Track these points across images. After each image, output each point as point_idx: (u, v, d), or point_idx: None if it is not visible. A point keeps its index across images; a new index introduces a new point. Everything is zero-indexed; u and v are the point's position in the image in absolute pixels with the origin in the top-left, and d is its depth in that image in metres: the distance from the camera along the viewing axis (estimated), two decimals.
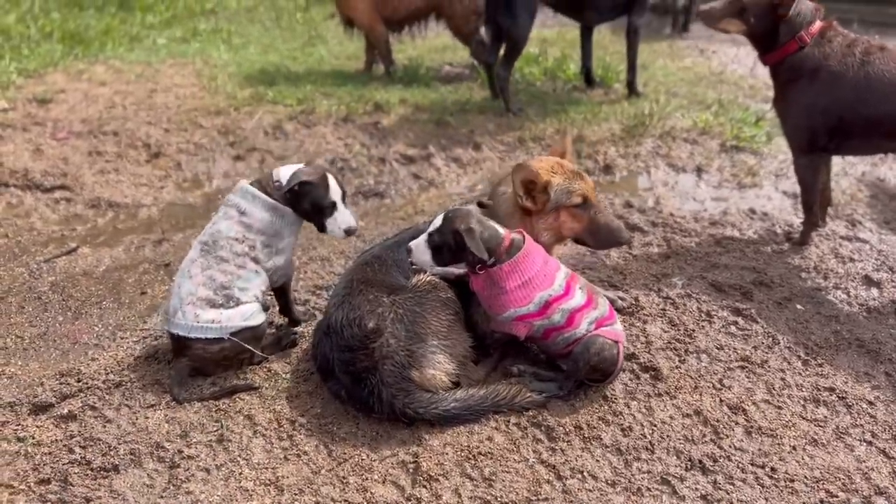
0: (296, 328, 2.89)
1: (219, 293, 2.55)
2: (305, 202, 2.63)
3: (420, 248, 2.49)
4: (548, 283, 2.54)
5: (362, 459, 2.28)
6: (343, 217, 2.67)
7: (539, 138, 4.71)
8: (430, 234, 2.48)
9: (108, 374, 2.64)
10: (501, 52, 5.06)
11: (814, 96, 3.32)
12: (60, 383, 2.60)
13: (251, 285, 2.61)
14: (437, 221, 2.48)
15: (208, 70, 5.68)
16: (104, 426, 2.39)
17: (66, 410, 2.45)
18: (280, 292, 2.84)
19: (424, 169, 4.36)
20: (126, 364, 2.69)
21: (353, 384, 2.39)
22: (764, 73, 6.52)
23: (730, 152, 4.61)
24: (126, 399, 2.51)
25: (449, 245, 2.46)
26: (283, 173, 2.67)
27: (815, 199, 3.54)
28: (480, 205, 2.67)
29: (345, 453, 2.30)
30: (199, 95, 5.15)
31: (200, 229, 3.62)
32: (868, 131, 3.29)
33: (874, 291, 3.25)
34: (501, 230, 2.51)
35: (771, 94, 5.80)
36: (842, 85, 3.25)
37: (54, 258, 3.46)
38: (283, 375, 2.65)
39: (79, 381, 2.61)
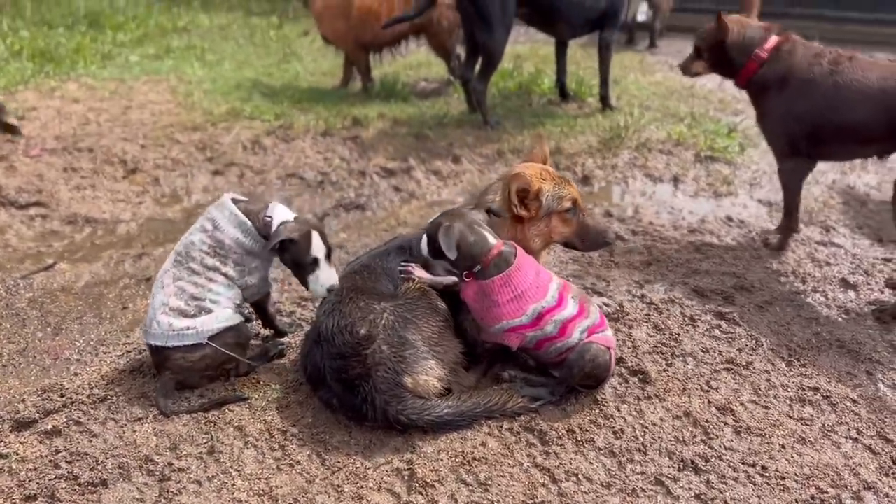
0: (282, 339, 2.86)
1: (190, 304, 2.51)
2: (287, 257, 2.59)
3: (423, 239, 2.54)
4: (540, 295, 2.53)
5: (356, 468, 2.26)
6: (325, 275, 2.58)
7: (517, 150, 4.76)
8: (428, 231, 2.51)
9: (92, 388, 2.58)
10: (478, 66, 5.12)
11: (786, 105, 3.45)
12: (43, 399, 2.53)
13: (222, 298, 2.56)
14: (435, 221, 2.52)
15: (183, 87, 5.64)
16: (90, 441, 2.33)
17: (49, 426, 2.39)
18: (257, 308, 2.82)
19: (405, 181, 4.37)
20: (110, 378, 2.64)
21: (346, 392, 2.37)
22: (732, 87, 6.69)
23: (704, 162, 4.70)
24: (112, 413, 2.46)
25: (433, 239, 2.48)
26: (278, 216, 2.59)
27: (796, 205, 3.65)
28: (490, 212, 2.67)
29: (338, 462, 2.28)
30: (175, 111, 5.11)
31: None
32: (842, 138, 3.39)
33: (851, 294, 3.33)
34: (492, 240, 2.52)
35: (740, 106, 5.98)
36: (812, 93, 3.36)
37: (31, 274, 3.39)
38: (273, 386, 2.62)
39: (62, 396, 2.55)
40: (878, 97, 3.21)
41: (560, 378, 2.56)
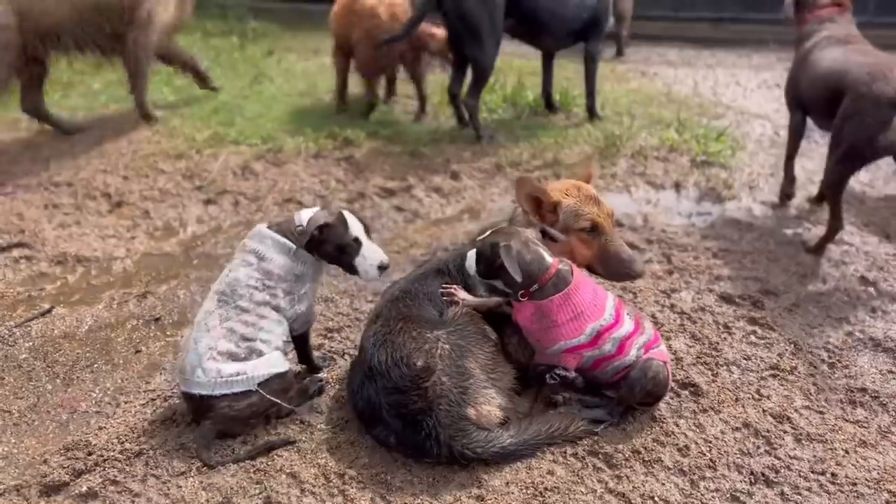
0: (319, 375, 2.72)
1: (241, 345, 2.36)
2: (328, 246, 2.48)
3: (471, 257, 2.46)
4: (599, 314, 2.46)
5: None
6: (372, 253, 2.50)
7: (516, 164, 4.71)
8: (479, 250, 2.43)
9: (122, 443, 2.39)
10: (466, 82, 5.06)
11: (793, 67, 3.97)
12: (68, 458, 2.34)
13: (273, 336, 2.43)
14: (487, 238, 2.43)
15: (158, 113, 5.42)
16: (132, 501, 2.15)
17: (84, 488, 2.20)
18: (300, 340, 2.67)
19: (406, 201, 4.26)
20: (140, 430, 2.46)
21: (406, 428, 2.24)
22: (707, 91, 6.80)
23: (701, 167, 4.73)
24: (151, 469, 2.28)
25: (488, 258, 2.40)
26: (304, 217, 2.52)
27: (790, 160, 4.20)
28: (544, 233, 2.58)
29: (405, 503, 2.16)
30: (154, 139, 4.89)
31: (185, 280, 3.46)
32: (813, 108, 3.78)
33: (872, 290, 3.36)
34: (549, 258, 2.44)
35: (719, 110, 6.06)
36: (801, 63, 3.82)
37: (27, 322, 3.16)
38: (318, 426, 2.48)
39: (90, 454, 2.35)
40: (825, 75, 3.58)
41: (619, 397, 2.49)
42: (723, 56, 8.32)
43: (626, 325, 2.47)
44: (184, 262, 3.64)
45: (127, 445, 2.37)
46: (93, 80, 6.56)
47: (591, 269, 2.75)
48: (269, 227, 2.53)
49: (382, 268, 2.51)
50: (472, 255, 2.47)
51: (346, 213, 2.51)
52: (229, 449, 2.35)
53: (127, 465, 2.30)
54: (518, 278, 2.37)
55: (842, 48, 3.57)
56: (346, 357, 2.87)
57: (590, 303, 2.45)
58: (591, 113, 5.54)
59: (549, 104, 5.83)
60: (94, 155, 4.73)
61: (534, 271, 2.39)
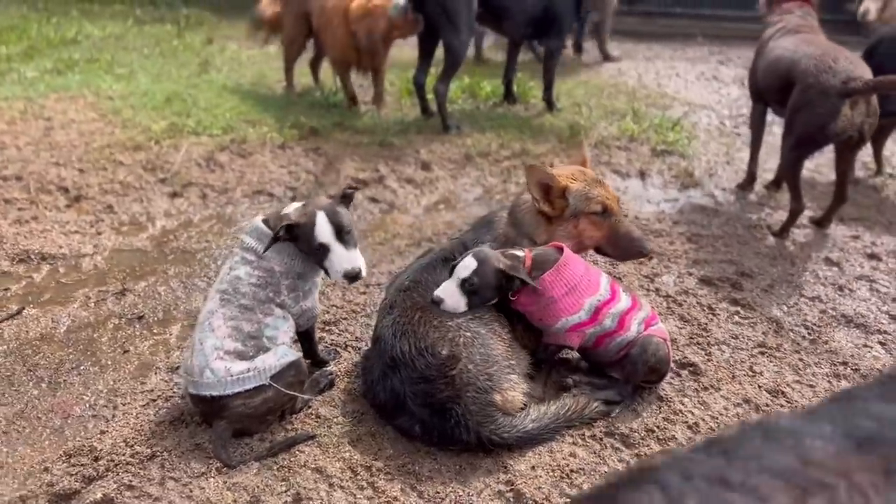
0: (328, 368, 2.68)
1: (248, 344, 2.29)
2: (301, 244, 2.35)
3: (453, 294, 2.42)
4: (594, 289, 2.56)
5: (458, 496, 2.15)
6: (338, 259, 2.31)
7: (485, 153, 4.73)
8: (465, 280, 2.41)
9: (131, 446, 2.29)
10: (429, 71, 5.04)
11: (755, 56, 4.12)
12: (74, 465, 2.22)
13: (279, 332, 2.37)
14: (468, 267, 2.41)
15: (105, 103, 5.15)
16: None
17: (98, 495, 2.09)
18: (306, 335, 2.61)
19: (380, 192, 4.22)
20: (148, 432, 2.36)
21: (434, 416, 2.24)
22: (651, 82, 7.01)
23: (661, 156, 4.88)
24: (168, 471, 2.19)
25: (490, 286, 2.42)
26: (290, 212, 2.40)
27: (757, 150, 4.36)
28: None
29: (437, 492, 2.15)
30: (107, 130, 4.65)
31: (163, 276, 3.34)
32: (768, 96, 3.96)
33: (836, 270, 3.56)
34: (520, 252, 2.52)
35: (666, 101, 6.26)
36: (759, 53, 3.99)
37: None
38: (335, 420, 2.44)
39: (97, 459, 2.24)
40: (776, 64, 3.78)
41: (625, 376, 2.56)
42: (659, 49, 8.59)
43: (624, 301, 2.56)
44: (158, 258, 3.50)
45: (137, 448, 2.27)
46: (25, 66, 6.17)
47: (599, 251, 2.81)
48: (265, 222, 2.44)
49: (350, 277, 2.33)
50: (453, 290, 2.43)
51: (319, 215, 2.31)
52: (247, 447, 2.29)
53: (141, 468, 2.20)
54: (534, 284, 2.45)
55: (792, 37, 3.77)
56: (350, 349, 2.83)
57: (582, 277, 2.54)
58: (550, 104, 5.63)
59: (508, 93, 5.90)
60: (42, 147, 4.47)
61: (518, 269, 2.46)
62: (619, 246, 2.78)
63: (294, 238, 2.35)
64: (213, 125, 4.75)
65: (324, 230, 2.30)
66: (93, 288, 3.24)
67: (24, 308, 3.08)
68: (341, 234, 2.32)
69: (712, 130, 5.60)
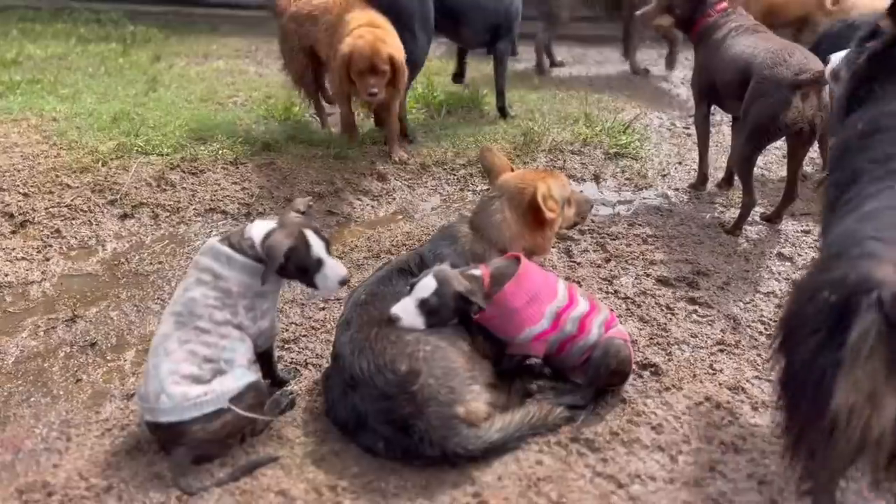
0: (290, 388, 2.63)
1: (204, 367, 2.24)
2: (290, 267, 2.37)
3: (411, 313, 2.41)
4: (552, 295, 2.59)
5: None
6: (333, 270, 2.41)
7: (441, 163, 4.73)
8: (424, 300, 2.40)
9: (85, 478, 2.22)
10: None
11: (701, 59, 4.17)
12: (26, 501, 2.14)
13: (237, 354, 2.32)
14: (428, 287, 2.40)
15: (48, 125, 5.00)
16: None
17: None
18: (265, 356, 2.56)
19: (337, 204, 4.18)
20: (103, 463, 2.28)
21: (397, 433, 2.22)
22: (602, 86, 7.09)
23: (614, 159, 4.93)
24: (125, 503, 2.12)
25: (449, 307, 2.42)
26: (256, 231, 2.37)
27: (706, 150, 4.43)
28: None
29: None
30: (52, 153, 4.52)
31: (115, 300, 3.25)
32: (726, 93, 4.01)
33: (789, 265, 3.64)
34: (477, 271, 2.53)
35: (618, 104, 6.35)
36: (714, 53, 4.01)
37: None
38: (298, 440, 2.40)
39: (50, 494, 2.17)
40: (736, 60, 3.83)
41: (588, 380, 2.58)
42: (609, 53, 8.68)
43: (582, 305, 2.59)
44: (110, 282, 3.40)
45: (93, 481, 2.20)
46: None
47: (570, 227, 3.11)
48: (222, 242, 2.41)
49: (344, 283, 2.45)
50: (410, 308, 2.42)
51: (308, 233, 2.38)
52: (208, 473, 2.23)
53: (97, 502, 2.13)
54: (485, 305, 2.46)
55: (753, 36, 3.86)
56: (310, 367, 2.79)
57: (542, 285, 2.57)
58: (503, 112, 5.65)
59: (459, 75, 6.26)
60: None
61: (478, 289, 2.46)
62: (582, 210, 3.02)
63: (287, 263, 2.34)
64: (162, 144, 4.65)
65: (317, 246, 2.38)
66: (42, 316, 3.14)
67: None
68: (328, 246, 2.44)
69: (663, 132, 5.69)
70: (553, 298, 2.57)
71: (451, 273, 2.45)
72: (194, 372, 2.20)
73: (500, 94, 5.66)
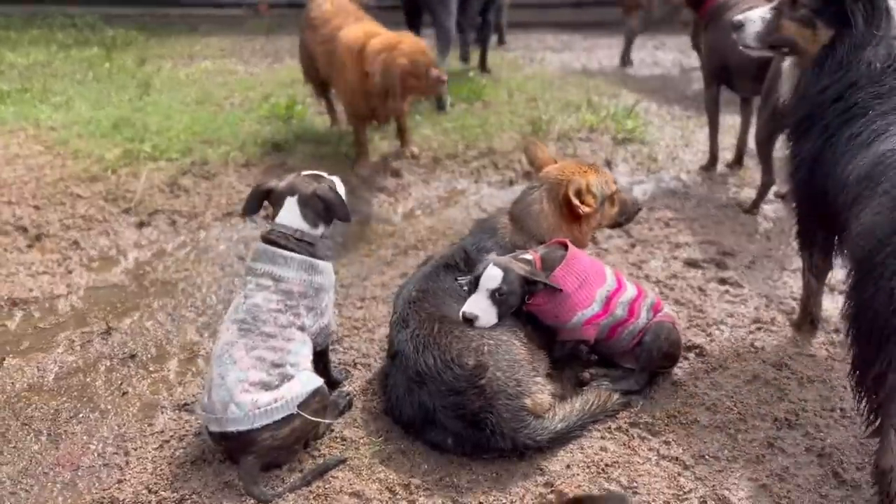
0: (346, 388, 2.62)
1: (272, 373, 2.22)
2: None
3: (484, 308, 2.41)
4: (602, 279, 2.61)
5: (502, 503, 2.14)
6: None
7: (453, 156, 4.73)
8: (495, 290, 2.40)
9: (155, 492, 2.19)
10: None
11: (713, 39, 4.15)
12: None
13: (301, 357, 2.32)
14: (495, 277, 2.40)
15: (49, 134, 4.91)
16: None
17: None
18: (322, 356, 2.55)
19: (355, 202, 4.15)
20: (170, 475, 2.26)
21: (468, 427, 2.23)
22: (596, 72, 7.13)
23: (623, 144, 4.97)
24: None
25: (516, 293, 2.43)
26: (291, 219, 2.37)
27: (716, 131, 4.48)
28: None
29: (480, 503, 2.14)
30: (57, 163, 4.43)
31: (147, 310, 3.20)
32: (740, 74, 4.05)
33: None
34: (528, 255, 2.55)
35: (615, 90, 6.39)
36: (726, 33, 3.87)
37: None
38: (362, 440, 2.39)
39: None
40: None
41: (641, 364, 2.61)
42: (595, 39, 8.74)
43: (630, 289, 2.62)
44: (139, 293, 3.36)
45: (163, 494, 2.18)
46: None
47: (613, 226, 3.06)
48: (268, 244, 2.39)
49: None
50: (484, 304, 2.43)
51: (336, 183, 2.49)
52: (278, 480, 2.22)
53: None
54: (550, 282, 2.47)
55: None
56: (359, 367, 2.78)
57: (590, 269, 2.60)
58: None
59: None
60: None
61: (532, 273, 2.47)
62: (626, 211, 2.96)
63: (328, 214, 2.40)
64: (169, 148, 4.59)
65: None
66: (75, 330, 3.09)
67: (3, 359, 2.91)
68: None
69: (664, 115, 5.74)
70: (602, 282, 2.60)
71: (508, 259, 2.46)
72: (263, 378, 2.18)
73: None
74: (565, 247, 2.61)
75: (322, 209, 2.37)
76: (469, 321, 2.38)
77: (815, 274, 2.83)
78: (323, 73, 4.54)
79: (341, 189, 2.48)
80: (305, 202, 2.36)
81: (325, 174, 2.52)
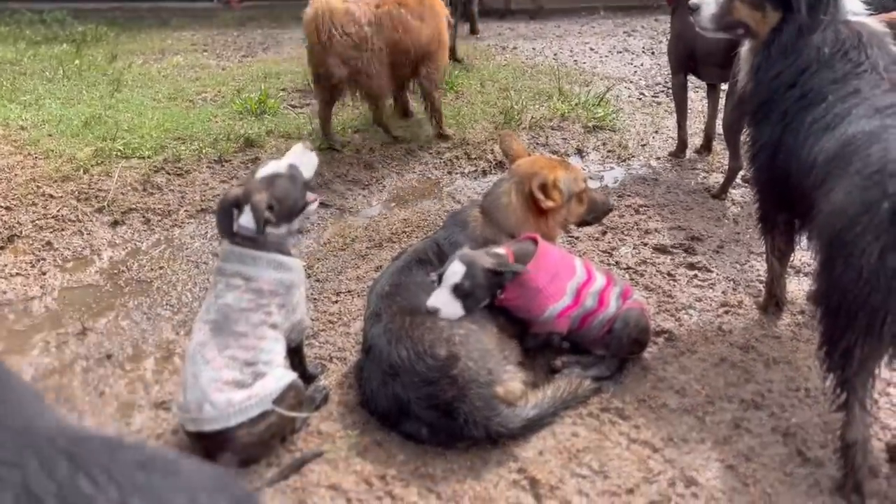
0: (321, 383, 2.66)
1: (245, 372, 2.25)
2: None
3: (447, 303, 2.44)
4: (571, 272, 2.66)
5: (476, 491, 2.20)
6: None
7: (426, 147, 4.75)
8: (457, 285, 2.44)
9: None
10: None
11: (678, 27, 4.23)
12: None
13: (274, 354, 2.34)
14: (457, 272, 2.44)
15: (19, 133, 4.86)
16: None
17: None
18: (296, 351, 2.58)
19: (329, 196, 4.18)
20: None
21: (442, 417, 2.27)
22: (568, 60, 7.17)
23: (594, 132, 5.02)
24: None
25: (482, 286, 2.47)
26: (251, 220, 2.31)
27: (684, 117, 4.53)
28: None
29: (455, 491, 2.20)
30: (29, 163, 4.40)
31: (123, 310, 3.21)
32: (705, 61, 4.13)
33: None
34: (500, 250, 2.58)
35: (586, 77, 6.43)
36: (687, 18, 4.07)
37: None
38: (338, 434, 2.43)
39: None
40: None
41: (612, 351, 2.67)
42: (567, 26, 8.76)
43: (599, 279, 2.68)
44: (114, 292, 3.36)
45: None
46: None
47: (581, 224, 3.04)
48: (235, 244, 2.39)
49: None
50: (447, 298, 2.46)
51: (293, 164, 2.45)
52: (256, 475, 2.26)
53: None
54: (524, 270, 2.52)
55: None
56: (335, 361, 2.81)
57: (561, 262, 2.65)
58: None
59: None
60: None
61: (505, 266, 2.52)
62: (595, 210, 2.98)
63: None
64: (142, 146, 4.56)
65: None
66: (50, 331, 3.09)
67: None
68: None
69: (634, 102, 5.79)
70: (573, 275, 2.65)
71: (474, 253, 2.50)
72: (236, 377, 2.21)
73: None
74: (535, 242, 2.66)
75: (279, 210, 2.34)
76: (432, 313, 2.42)
77: (778, 256, 2.90)
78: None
79: (310, 161, 2.50)
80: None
81: (289, 159, 2.47)
